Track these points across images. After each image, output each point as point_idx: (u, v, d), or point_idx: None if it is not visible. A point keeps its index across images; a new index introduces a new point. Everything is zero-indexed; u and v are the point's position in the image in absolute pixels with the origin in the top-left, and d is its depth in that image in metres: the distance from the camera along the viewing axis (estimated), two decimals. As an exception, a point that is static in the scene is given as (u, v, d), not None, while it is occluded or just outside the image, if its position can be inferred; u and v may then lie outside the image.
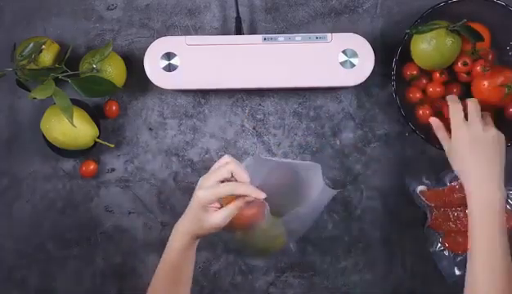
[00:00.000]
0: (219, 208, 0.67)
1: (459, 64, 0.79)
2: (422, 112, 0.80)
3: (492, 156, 0.70)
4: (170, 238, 0.69)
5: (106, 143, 0.83)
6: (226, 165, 0.66)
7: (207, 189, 0.65)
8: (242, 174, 0.66)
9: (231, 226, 0.78)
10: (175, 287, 0.69)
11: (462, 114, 0.73)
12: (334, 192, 0.75)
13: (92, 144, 0.82)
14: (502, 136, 0.72)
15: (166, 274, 0.69)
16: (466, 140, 0.71)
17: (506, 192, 0.82)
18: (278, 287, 0.86)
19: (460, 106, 0.74)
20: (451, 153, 0.74)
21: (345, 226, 0.86)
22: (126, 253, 0.86)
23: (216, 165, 0.68)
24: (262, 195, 0.65)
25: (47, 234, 0.86)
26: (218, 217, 0.66)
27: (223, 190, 0.65)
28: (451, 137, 0.74)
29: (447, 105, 0.75)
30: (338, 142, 0.85)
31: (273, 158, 0.74)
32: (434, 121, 0.77)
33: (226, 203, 0.68)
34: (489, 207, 0.67)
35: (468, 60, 0.78)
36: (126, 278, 0.86)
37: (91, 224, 0.86)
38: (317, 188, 0.74)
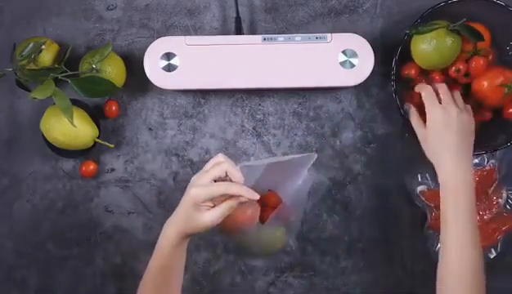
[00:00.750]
0: (211, 207, 0.65)
1: (452, 69, 0.78)
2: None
3: (465, 140, 0.72)
4: (160, 237, 0.68)
5: (106, 143, 0.83)
6: (220, 164, 0.65)
7: (200, 187, 0.64)
8: (236, 174, 0.65)
9: (224, 230, 0.78)
10: (165, 285, 0.69)
11: (435, 98, 0.74)
12: (317, 178, 0.77)
13: (91, 144, 0.82)
14: (471, 117, 0.74)
15: (156, 273, 0.68)
16: (441, 124, 0.72)
17: (506, 193, 0.83)
18: (278, 287, 0.86)
19: (431, 89, 0.74)
20: (425, 139, 0.74)
21: (345, 226, 0.86)
22: (126, 253, 0.86)
23: (209, 164, 0.67)
24: (256, 196, 0.64)
25: (46, 234, 0.86)
26: (210, 216, 0.65)
27: (217, 189, 0.64)
28: (425, 123, 0.74)
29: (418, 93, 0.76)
30: (338, 142, 0.85)
31: (263, 161, 0.73)
32: (408, 107, 0.77)
33: (219, 203, 0.66)
34: (463, 195, 0.69)
35: (461, 67, 0.78)
36: (126, 278, 0.86)
37: (91, 224, 0.86)
38: (302, 177, 0.76)
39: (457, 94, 0.76)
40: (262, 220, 0.78)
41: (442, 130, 0.72)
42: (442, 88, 0.74)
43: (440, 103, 0.73)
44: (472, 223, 0.68)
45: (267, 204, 0.80)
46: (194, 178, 0.66)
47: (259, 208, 0.77)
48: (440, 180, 0.71)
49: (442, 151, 0.71)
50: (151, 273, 0.68)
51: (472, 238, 0.67)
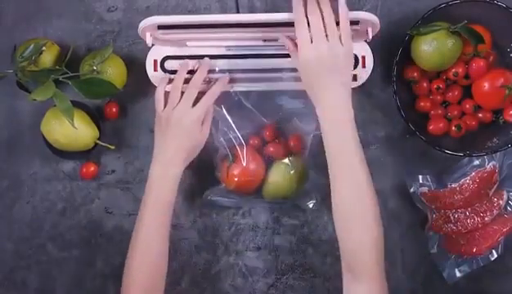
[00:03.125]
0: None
1: (451, 73, 0.78)
2: (423, 104, 0.82)
3: (340, 74, 0.67)
4: (156, 177, 0.75)
5: (107, 144, 0.83)
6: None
7: (191, 110, 0.74)
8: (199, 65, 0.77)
9: (241, 189, 0.80)
10: (166, 222, 0.75)
11: (307, 32, 0.66)
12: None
13: (92, 145, 0.82)
14: (348, 45, 0.67)
15: (158, 211, 0.74)
16: (312, 62, 0.67)
17: (507, 194, 0.82)
18: (278, 289, 0.86)
19: (305, 23, 0.67)
20: (300, 72, 0.70)
21: (346, 228, 0.85)
22: (126, 255, 0.86)
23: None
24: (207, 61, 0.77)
25: (47, 236, 0.86)
26: (197, 107, 0.74)
27: (202, 104, 0.75)
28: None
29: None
30: (338, 144, 0.85)
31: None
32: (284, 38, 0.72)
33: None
34: (342, 130, 0.67)
35: (460, 70, 0.78)
36: (126, 280, 0.86)
37: (91, 225, 0.86)
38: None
39: (343, 20, 0.67)
40: (272, 159, 0.79)
41: (315, 68, 0.67)
42: (314, 16, 0.66)
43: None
44: (360, 148, 0.67)
45: (268, 140, 0.81)
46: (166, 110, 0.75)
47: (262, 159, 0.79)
48: (318, 114, 0.68)
49: (318, 89, 0.68)
50: (153, 212, 0.74)
51: (362, 164, 0.67)
